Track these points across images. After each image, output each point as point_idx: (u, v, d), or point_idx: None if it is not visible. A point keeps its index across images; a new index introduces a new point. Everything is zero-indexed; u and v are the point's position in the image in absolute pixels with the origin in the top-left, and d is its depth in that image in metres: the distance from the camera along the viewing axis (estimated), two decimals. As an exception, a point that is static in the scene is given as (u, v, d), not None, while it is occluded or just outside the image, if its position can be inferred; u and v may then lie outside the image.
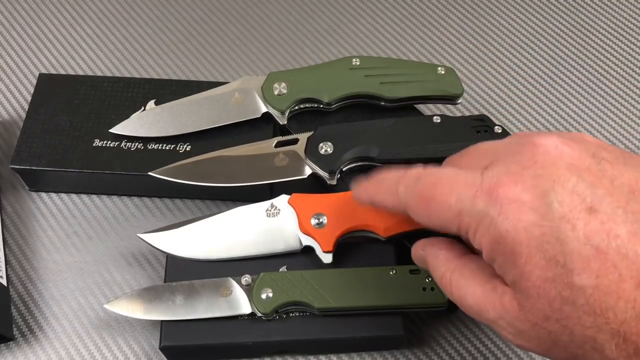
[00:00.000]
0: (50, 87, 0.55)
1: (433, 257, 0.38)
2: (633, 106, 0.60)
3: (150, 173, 0.50)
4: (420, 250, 0.40)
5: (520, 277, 0.32)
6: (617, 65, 0.63)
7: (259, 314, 0.44)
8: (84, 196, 0.55)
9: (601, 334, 0.30)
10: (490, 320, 0.34)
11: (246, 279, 0.45)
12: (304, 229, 0.46)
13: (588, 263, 0.30)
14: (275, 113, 0.52)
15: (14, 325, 0.49)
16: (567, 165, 0.32)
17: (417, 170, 0.37)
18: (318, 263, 0.46)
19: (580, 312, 0.30)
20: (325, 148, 0.49)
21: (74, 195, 0.55)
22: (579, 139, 0.34)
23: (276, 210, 0.48)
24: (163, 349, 0.45)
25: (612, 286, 0.29)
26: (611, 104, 0.61)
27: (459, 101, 0.53)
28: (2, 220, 0.54)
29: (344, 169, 0.49)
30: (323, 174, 0.48)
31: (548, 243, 0.30)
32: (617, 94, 0.61)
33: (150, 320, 0.47)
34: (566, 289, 0.30)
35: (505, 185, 0.32)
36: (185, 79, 0.62)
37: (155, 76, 0.62)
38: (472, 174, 0.34)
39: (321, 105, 0.52)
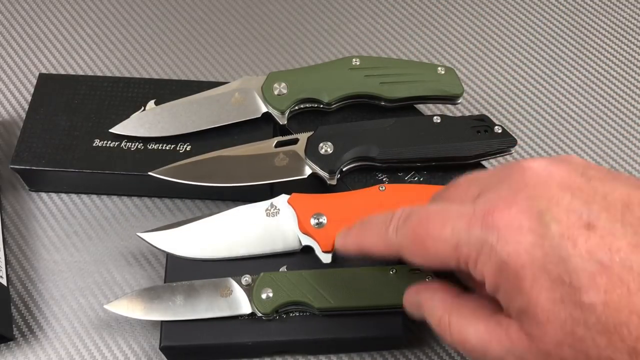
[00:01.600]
0: (50, 87, 0.55)
1: (429, 300, 0.37)
2: (633, 106, 0.60)
3: (150, 173, 0.50)
4: (414, 295, 0.39)
5: (527, 303, 0.31)
6: (617, 65, 0.63)
7: (259, 314, 0.44)
8: (84, 196, 0.55)
9: (617, 353, 0.29)
10: (498, 358, 0.33)
11: (246, 279, 0.45)
12: (304, 228, 0.46)
13: (594, 279, 0.29)
14: (275, 113, 0.52)
15: (14, 325, 0.49)
16: (559, 185, 0.32)
17: (404, 210, 0.36)
18: (318, 263, 0.46)
19: (594, 333, 0.29)
20: (325, 148, 0.49)
21: (74, 195, 0.55)
22: (566, 160, 0.34)
23: (276, 210, 0.48)
24: (163, 349, 0.45)
25: (622, 301, 0.29)
26: (611, 104, 0.61)
27: (459, 101, 0.53)
28: (2, 220, 0.54)
29: (344, 169, 0.49)
30: (323, 174, 0.48)
31: (551, 263, 0.30)
32: (617, 94, 0.61)
33: (151, 320, 0.47)
34: (576, 308, 0.29)
35: (499, 210, 0.32)
36: (185, 79, 0.62)
37: (155, 76, 0.62)
38: (464, 205, 0.34)
39: (321, 105, 0.52)
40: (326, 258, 0.46)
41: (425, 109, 0.60)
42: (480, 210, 0.32)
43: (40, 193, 0.55)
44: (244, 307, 0.44)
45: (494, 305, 0.34)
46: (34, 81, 0.60)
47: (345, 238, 0.41)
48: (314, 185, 0.50)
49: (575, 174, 0.33)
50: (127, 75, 0.62)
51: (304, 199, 0.47)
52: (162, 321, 0.45)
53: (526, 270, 0.30)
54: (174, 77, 0.62)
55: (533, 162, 0.34)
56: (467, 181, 0.37)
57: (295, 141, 0.50)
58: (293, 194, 0.48)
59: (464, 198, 0.35)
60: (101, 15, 0.67)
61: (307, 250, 0.47)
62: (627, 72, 0.63)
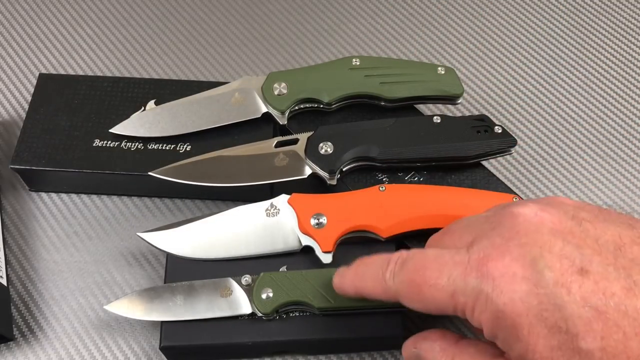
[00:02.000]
0: (50, 87, 0.55)
1: (429, 351, 0.38)
2: (633, 106, 0.60)
3: (150, 173, 0.50)
4: (413, 347, 0.39)
5: (525, 350, 0.31)
6: (617, 65, 0.63)
7: (259, 314, 0.44)
8: (84, 196, 0.55)
9: None
10: None
11: (246, 279, 0.45)
12: (304, 229, 0.46)
13: (590, 325, 0.29)
14: (275, 113, 0.52)
15: (14, 325, 0.49)
16: (550, 231, 0.32)
17: (401, 255, 0.37)
18: (318, 263, 0.46)
19: None
20: (325, 148, 0.49)
21: (74, 195, 0.55)
22: (556, 203, 0.34)
23: (276, 210, 0.48)
24: (163, 349, 0.45)
25: (619, 346, 0.29)
26: (611, 104, 0.61)
27: (459, 101, 0.53)
28: (2, 220, 0.54)
29: (344, 169, 0.49)
30: (323, 174, 0.48)
31: (547, 310, 0.30)
32: (617, 94, 0.61)
33: (150, 320, 0.47)
34: (574, 355, 0.30)
35: (493, 259, 0.32)
36: (185, 79, 0.62)
37: (155, 76, 0.62)
38: (458, 252, 0.34)
39: (321, 105, 0.52)
40: (326, 258, 0.46)
41: (425, 109, 0.60)
42: (474, 259, 0.33)
43: (40, 193, 0.55)
44: (244, 307, 0.44)
45: (494, 349, 0.34)
46: (34, 81, 0.60)
47: (343, 279, 0.41)
48: (314, 185, 0.50)
49: (565, 218, 0.33)
50: (127, 75, 0.62)
51: (304, 199, 0.47)
52: (162, 321, 0.45)
53: (522, 319, 0.31)
54: (174, 77, 0.62)
55: (523, 208, 0.34)
56: (460, 228, 0.37)
57: (295, 141, 0.50)
58: (293, 194, 0.48)
59: (459, 244, 0.35)
60: (101, 15, 0.67)
61: (307, 250, 0.47)
62: (627, 72, 0.63)
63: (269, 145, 0.50)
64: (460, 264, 0.33)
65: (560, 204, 0.34)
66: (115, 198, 0.55)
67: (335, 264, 0.46)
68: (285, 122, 0.52)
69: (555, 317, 0.30)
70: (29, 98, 0.58)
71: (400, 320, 0.45)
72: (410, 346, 0.40)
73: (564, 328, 0.30)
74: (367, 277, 0.39)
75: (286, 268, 0.46)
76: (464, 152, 0.49)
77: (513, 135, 0.50)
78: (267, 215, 0.48)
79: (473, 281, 0.32)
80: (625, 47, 0.64)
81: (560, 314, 0.30)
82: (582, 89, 0.62)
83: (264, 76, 0.53)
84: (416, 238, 0.47)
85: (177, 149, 0.52)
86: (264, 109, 0.52)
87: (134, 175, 0.51)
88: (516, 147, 0.50)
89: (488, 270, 0.32)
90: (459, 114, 0.60)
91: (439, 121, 0.50)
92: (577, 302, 0.30)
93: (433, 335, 0.38)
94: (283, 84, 0.52)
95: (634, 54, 0.64)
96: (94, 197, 0.55)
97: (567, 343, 0.30)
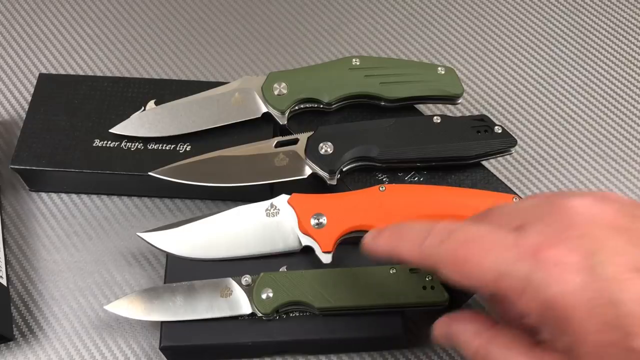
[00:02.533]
0: (50, 87, 0.55)
1: (462, 333, 0.36)
2: (633, 106, 0.60)
3: (150, 173, 0.50)
4: (446, 327, 0.37)
5: (574, 343, 0.30)
6: (617, 65, 0.63)
7: (260, 314, 0.44)
8: (84, 196, 0.55)
9: None
10: None
11: (246, 279, 0.45)
12: (304, 229, 0.46)
13: None
14: (275, 113, 0.52)
15: (14, 325, 0.49)
16: (607, 225, 0.31)
17: (447, 225, 0.35)
18: (318, 263, 0.46)
19: None
20: (325, 148, 0.49)
21: (74, 195, 0.55)
22: (612, 199, 0.33)
23: (276, 210, 0.48)
24: (163, 349, 0.45)
25: None
26: (611, 104, 0.61)
27: (459, 101, 0.53)
28: (2, 220, 0.54)
29: (344, 169, 0.49)
30: (323, 174, 0.48)
31: (600, 306, 0.29)
32: (617, 94, 0.61)
33: (150, 320, 0.47)
34: (625, 354, 0.29)
35: (548, 247, 0.31)
36: (185, 79, 0.62)
37: (155, 76, 0.62)
38: (508, 234, 0.33)
39: (321, 105, 0.52)
40: (326, 258, 0.46)
41: (425, 109, 0.60)
42: (527, 244, 0.32)
43: (40, 193, 0.55)
44: (244, 307, 0.44)
45: (529, 336, 0.33)
46: (34, 81, 0.60)
47: (377, 239, 0.39)
48: (314, 185, 0.50)
49: (622, 215, 0.32)
50: (127, 75, 0.62)
51: (304, 199, 0.47)
52: (162, 321, 0.45)
53: (574, 311, 0.30)
54: (174, 77, 0.62)
55: (576, 200, 0.33)
56: (507, 211, 0.35)
57: (295, 141, 0.50)
58: (293, 194, 0.48)
59: (505, 227, 0.34)
60: (101, 15, 0.67)
61: (307, 250, 0.47)
62: (627, 72, 0.63)
63: (269, 145, 0.50)
64: (510, 248, 0.32)
65: (617, 199, 0.33)
66: (115, 198, 0.55)
67: (335, 264, 0.46)
68: (285, 122, 0.52)
69: (609, 313, 0.29)
70: (29, 98, 0.58)
71: (400, 320, 0.45)
72: (443, 325, 0.38)
73: (618, 325, 0.29)
74: (406, 239, 0.37)
75: (286, 268, 0.46)
76: (464, 152, 0.49)
77: (513, 135, 0.50)
78: (267, 215, 0.48)
79: (525, 267, 0.31)
80: (625, 47, 0.64)
81: (615, 310, 0.29)
82: (582, 89, 0.62)
83: (264, 76, 0.53)
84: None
85: (177, 149, 0.52)
86: (264, 109, 0.52)
87: (134, 175, 0.51)
88: (516, 147, 0.50)
89: (542, 259, 0.31)
90: (459, 114, 0.60)
91: (439, 121, 0.50)
92: (633, 300, 0.29)
93: (467, 318, 0.36)
94: (283, 84, 0.52)
95: (634, 54, 0.64)
96: (94, 197, 0.55)
97: (619, 341, 0.29)
